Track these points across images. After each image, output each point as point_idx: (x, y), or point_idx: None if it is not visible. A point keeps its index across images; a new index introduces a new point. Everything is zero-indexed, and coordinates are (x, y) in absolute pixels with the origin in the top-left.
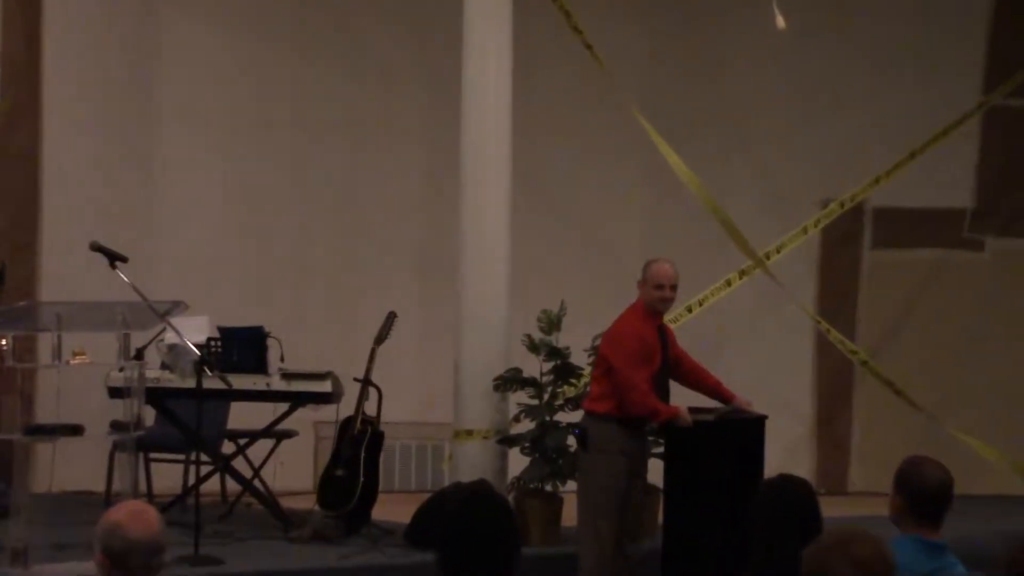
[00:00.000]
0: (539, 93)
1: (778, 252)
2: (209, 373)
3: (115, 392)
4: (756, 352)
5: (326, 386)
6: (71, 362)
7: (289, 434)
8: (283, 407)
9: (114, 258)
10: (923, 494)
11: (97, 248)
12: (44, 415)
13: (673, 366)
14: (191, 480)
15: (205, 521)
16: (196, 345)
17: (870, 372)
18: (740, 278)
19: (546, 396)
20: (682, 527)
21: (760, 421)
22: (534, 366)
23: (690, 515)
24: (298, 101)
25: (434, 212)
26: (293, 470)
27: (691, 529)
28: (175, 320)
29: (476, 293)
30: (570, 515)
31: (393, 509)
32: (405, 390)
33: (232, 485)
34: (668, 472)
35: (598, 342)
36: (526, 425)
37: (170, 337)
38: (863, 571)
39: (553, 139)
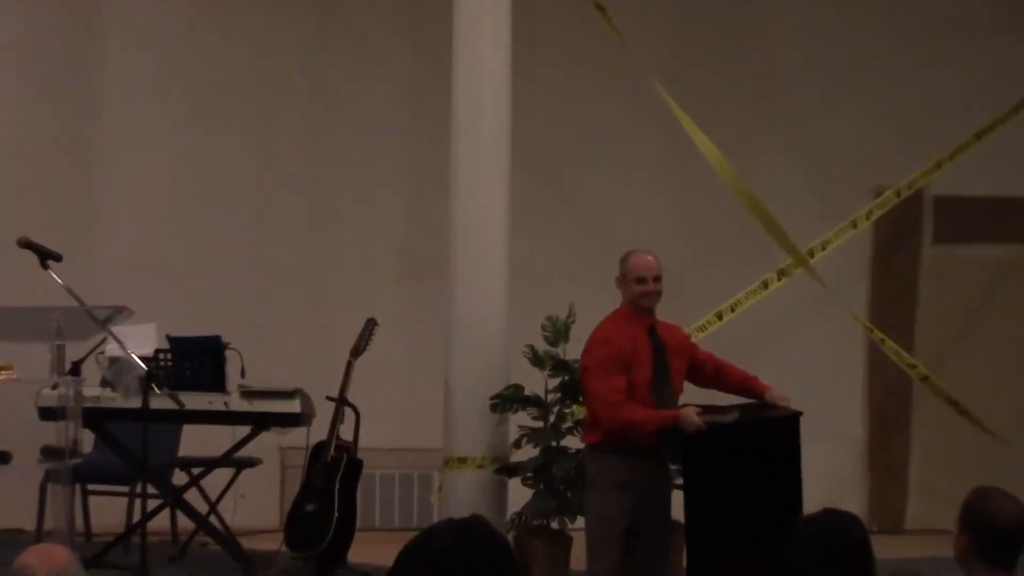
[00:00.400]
0: (543, 64)
1: (823, 249)
2: (157, 391)
3: (47, 413)
4: (797, 366)
5: (294, 406)
6: None
7: (251, 462)
8: (244, 431)
9: (46, 256)
10: (993, 531)
11: (26, 244)
12: None
13: (693, 372)
14: (136, 516)
15: (153, 564)
16: (142, 358)
17: (931, 389)
18: (779, 279)
19: (552, 418)
20: (704, 563)
21: (792, 419)
22: (538, 382)
23: (712, 546)
24: (259, 72)
25: (420, 202)
26: (256, 504)
27: (715, 565)
28: (117, 329)
29: (470, 297)
30: (579, 556)
31: (373, 550)
32: (387, 411)
33: (184, 522)
34: (686, 495)
35: None
36: (528, 452)
37: (112, 349)
38: None
39: (560, 118)
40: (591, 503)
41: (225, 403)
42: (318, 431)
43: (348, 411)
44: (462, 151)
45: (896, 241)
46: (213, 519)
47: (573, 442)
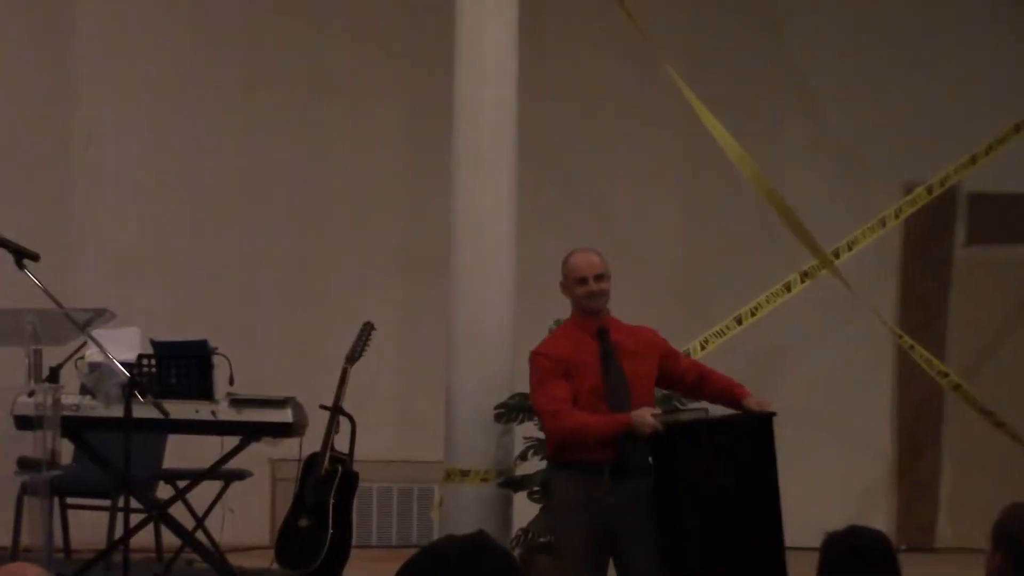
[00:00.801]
0: (550, 50)
1: (850, 249)
2: (140, 399)
3: (23, 422)
4: (821, 374)
5: (286, 415)
6: None
7: (240, 475)
8: (233, 441)
9: (22, 255)
10: None
11: (1, 243)
12: None
13: (674, 381)
14: (119, 532)
15: None
16: (124, 364)
17: (964, 399)
18: (802, 281)
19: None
20: (676, 564)
21: (763, 419)
22: None
23: (684, 547)
24: (249, 61)
25: (419, 199)
26: (245, 519)
27: (688, 565)
28: (98, 333)
29: (472, 300)
30: None
31: (369, 567)
32: (384, 420)
33: (170, 538)
34: (655, 495)
35: None
36: (535, 464)
37: (92, 354)
38: None
39: (568, 107)
40: (551, 526)
41: (213, 412)
42: (311, 442)
43: (343, 421)
44: (464, 143)
45: (927, 241)
46: (200, 535)
47: None
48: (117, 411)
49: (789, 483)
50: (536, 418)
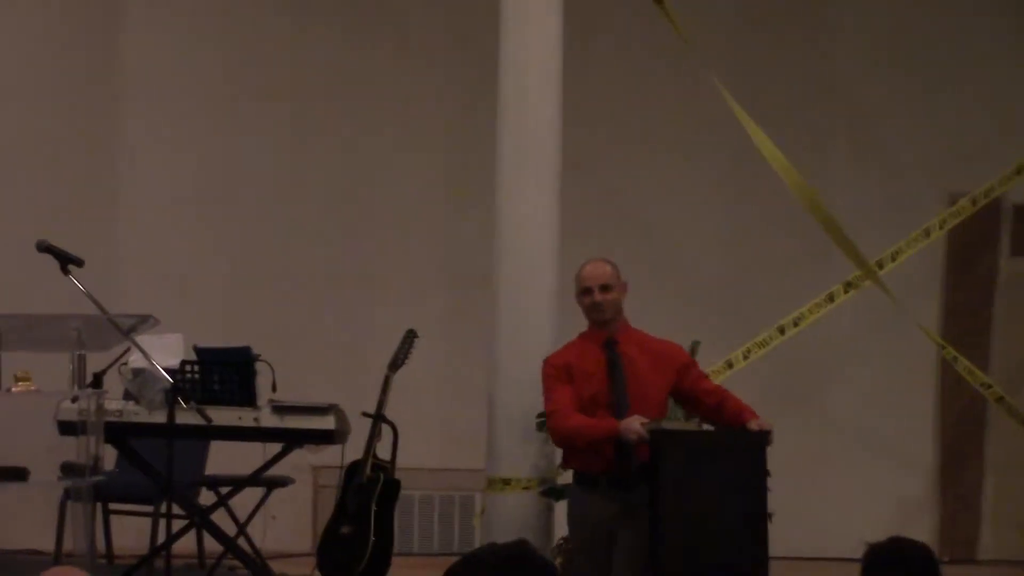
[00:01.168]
0: (595, 60)
1: (893, 260)
2: (184, 405)
3: (67, 427)
4: (864, 385)
5: (328, 422)
6: (13, 389)
7: (282, 481)
8: (275, 448)
9: (67, 261)
10: None
11: (46, 248)
12: None
13: (694, 403)
14: (161, 537)
15: None
16: (167, 370)
17: (1007, 411)
18: (846, 292)
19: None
20: (658, 570)
21: (757, 437)
22: None
23: (666, 556)
24: (293, 71)
25: (463, 209)
26: (287, 526)
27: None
28: (142, 339)
29: (515, 308)
30: None
31: (411, 575)
32: (426, 428)
33: (211, 544)
34: (649, 502)
35: None
36: None
37: (136, 360)
38: None
39: (613, 117)
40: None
41: (255, 419)
42: (353, 449)
43: (385, 428)
44: (508, 153)
45: (971, 252)
46: (242, 541)
47: None
48: (160, 417)
49: (831, 494)
50: None
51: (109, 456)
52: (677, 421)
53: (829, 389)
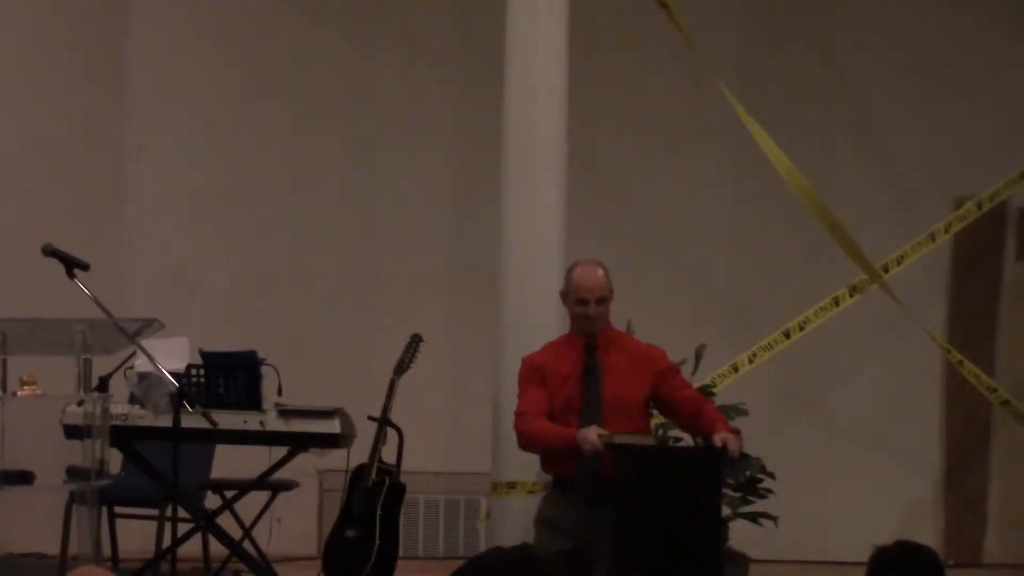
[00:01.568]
0: (601, 61)
1: (899, 263)
2: (189, 409)
3: (72, 431)
4: (870, 388)
5: (334, 426)
6: (18, 393)
7: (288, 485)
8: (280, 452)
9: (72, 265)
10: None
11: (51, 252)
12: None
13: (672, 412)
14: (166, 541)
15: None
16: (173, 374)
17: (1012, 414)
18: (851, 296)
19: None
20: None
21: (714, 453)
22: None
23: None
24: (300, 73)
25: (468, 211)
26: (293, 530)
27: None
28: (147, 343)
29: (521, 312)
30: None
31: None
32: (432, 432)
33: (217, 547)
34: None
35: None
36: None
37: (141, 363)
38: None
39: (618, 122)
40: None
41: (261, 422)
42: (359, 453)
43: (391, 432)
44: (514, 155)
45: (977, 256)
46: (247, 545)
47: None
48: (166, 421)
49: (836, 497)
50: None
51: (114, 460)
52: (634, 435)
53: (834, 393)
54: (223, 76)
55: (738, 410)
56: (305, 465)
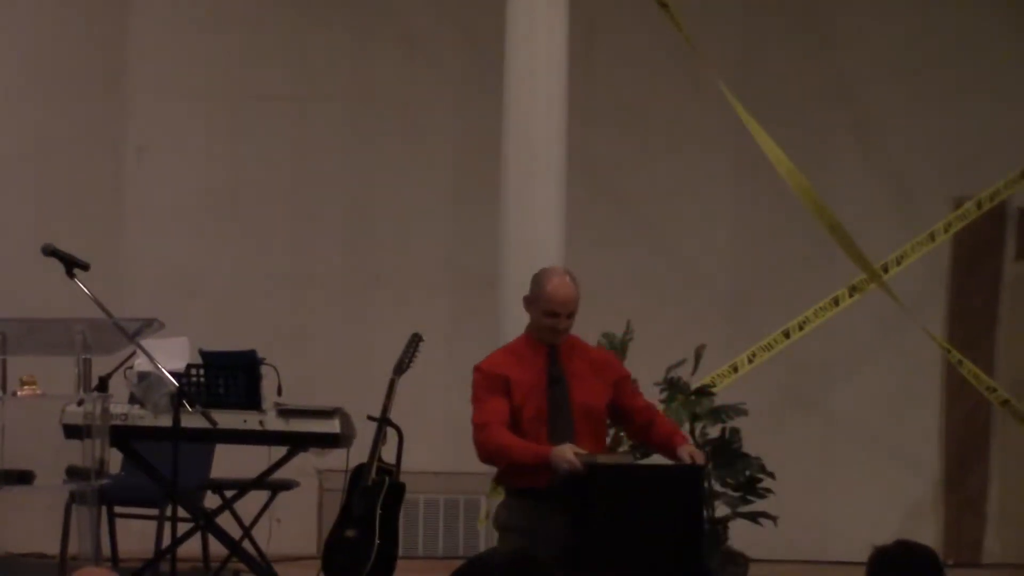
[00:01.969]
0: (601, 65)
1: (899, 263)
2: (189, 409)
3: (72, 431)
4: (870, 388)
5: (333, 426)
6: (18, 393)
7: (287, 485)
8: (280, 451)
9: (72, 264)
10: None
11: (51, 252)
12: None
13: (626, 420)
14: (166, 541)
15: None
16: (173, 374)
17: (1012, 414)
18: (851, 296)
19: (608, 441)
20: None
21: (693, 471)
22: None
23: None
24: (300, 74)
25: (468, 211)
26: (292, 529)
27: None
28: (147, 342)
29: (520, 312)
30: None
31: None
32: (432, 431)
33: (217, 547)
34: (567, 534)
35: (673, 374)
36: None
37: (141, 363)
38: None
39: (619, 122)
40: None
41: (260, 422)
42: (358, 453)
43: (391, 432)
44: (514, 155)
45: (977, 256)
46: (247, 544)
47: None
48: (165, 420)
49: (836, 497)
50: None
51: (114, 460)
52: (612, 454)
53: (834, 393)
54: (223, 76)
55: (738, 410)
56: (305, 465)
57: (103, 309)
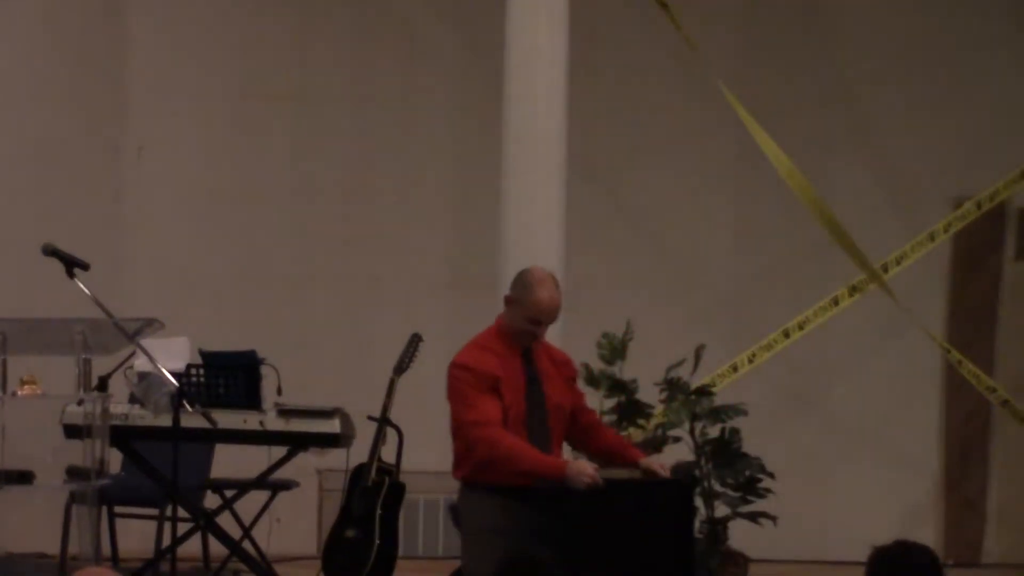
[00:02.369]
0: (601, 63)
1: (898, 263)
2: (189, 409)
3: (72, 431)
4: (869, 388)
5: (333, 426)
6: (18, 393)
7: (287, 485)
8: (280, 451)
9: (72, 264)
10: None
11: (51, 252)
12: None
13: (567, 421)
14: (166, 541)
15: None
16: (173, 374)
17: (1012, 414)
18: (850, 296)
19: None
20: None
21: (685, 487)
22: (593, 403)
23: None
24: (299, 73)
25: (468, 210)
26: (292, 529)
27: None
28: (147, 342)
29: None
30: None
31: None
32: (432, 432)
33: (217, 547)
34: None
35: (673, 374)
36: None
37: (141, 363)
38: None
39: (618, 123)
40: (466, 553)
41: (260, 422)
42: (358, 453)
43: (391, 432)
44: (514, 156)
45: (976, 256)
46: (247, 544)
47: None
48: (165, 420)
49: (835, 497)
50: (452, 432)
51: (114, 460)
52: (622, 469)
53: (834, 392)
54: (223, 76)
55: (738, 410)
56: (305, 465)
57: (103, 309)
